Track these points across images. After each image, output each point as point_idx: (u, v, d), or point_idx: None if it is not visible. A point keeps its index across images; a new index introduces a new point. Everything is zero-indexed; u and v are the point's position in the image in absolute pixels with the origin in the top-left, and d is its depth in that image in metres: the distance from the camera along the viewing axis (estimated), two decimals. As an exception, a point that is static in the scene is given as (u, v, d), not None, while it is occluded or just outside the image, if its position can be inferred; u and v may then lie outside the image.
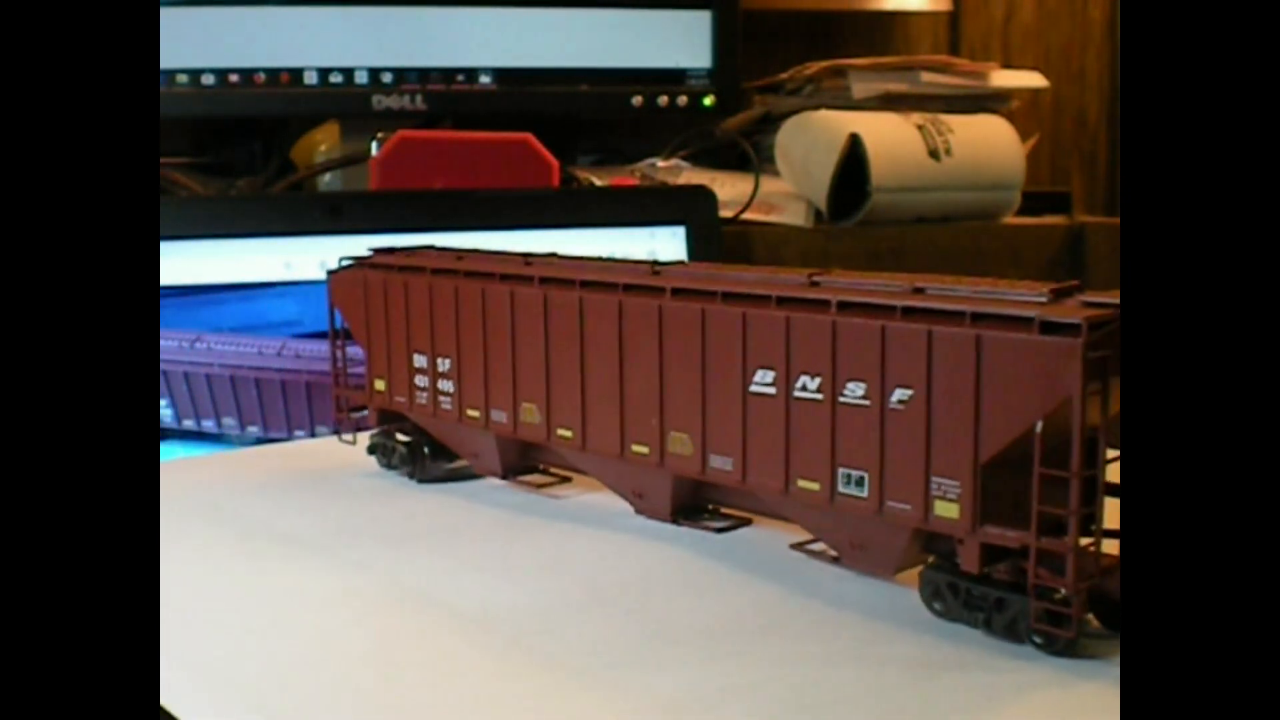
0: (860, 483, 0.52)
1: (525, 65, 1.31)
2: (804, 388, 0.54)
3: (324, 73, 1.27)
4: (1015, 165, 1.31)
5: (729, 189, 1.27)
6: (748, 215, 1.25)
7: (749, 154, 1.31)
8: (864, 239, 1.26)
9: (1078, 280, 0.51)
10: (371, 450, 0.78)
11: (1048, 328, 0.46)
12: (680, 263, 0.68)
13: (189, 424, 1.06)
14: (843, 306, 0.53)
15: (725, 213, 1.21)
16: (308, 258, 1.08)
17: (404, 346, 0.73)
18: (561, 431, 0.65)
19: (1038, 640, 0.47)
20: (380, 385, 0.75)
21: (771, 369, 0.55)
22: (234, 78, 1.25)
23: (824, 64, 1.36)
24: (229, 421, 1.06)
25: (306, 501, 0.71)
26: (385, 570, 0.59)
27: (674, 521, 0.63)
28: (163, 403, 1.05)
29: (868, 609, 0.53)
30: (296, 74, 1.26)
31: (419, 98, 1.28)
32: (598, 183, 1.27)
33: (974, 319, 0.48)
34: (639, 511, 0.65)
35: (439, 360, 0.71)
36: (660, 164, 1.39)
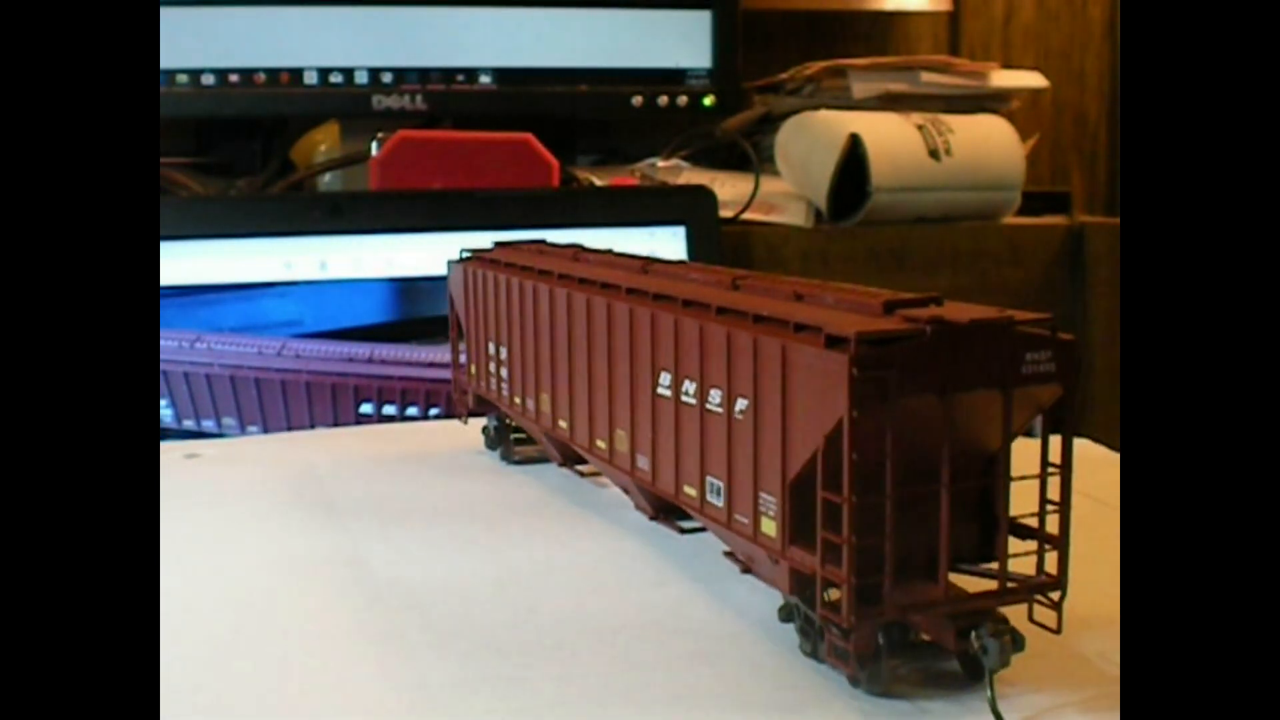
0: (719, 492, 0.49)
1: (525, 65, 1.31)
2: (686, 393, 0.52)
3: (324, 73, 1.27)
4: (1015, 165, 1.31)
5: (729, 189, 1.27)
6: (748, 215, 1.25)
7: (749, 154, 1.31)
8: (864, 239, 1.26)
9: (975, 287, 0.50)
10: (483, 431, 0.82)
11: (831, 341, 0.42)
12: (680, 262, 0.68)
13: (189, 424, 1.06)
14: (686, 304, 0.51)
15: (725, 213, 1.21)
16: (308, 258, 1.08)
17: (486, 337, 0.77)
18: (561, 423, 0.66)
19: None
20: (474, 371, 0.80)
21: (669, 372, 0.53)
22: (234, 78, 1.25)
23: (824, 64, 1.36)
24: (229, 421, 1.06)
25: (374, 474, 0.77)
26: (330, 541, 0.63)
27: (653, 518, 0.63)
28: (163, 403, 1.05)
29: (759, 623, 0.51)
30: (296, 74, 1.26)
31: (419, 98, 1.28)
32: (598, 183, 1.27)
33: (796, 329, 0.44)
34: (636, 507, 0.65)
35: (502, 351, 0.74)
36: (660, 164, 1.39)
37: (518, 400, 0.73)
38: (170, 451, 0.82)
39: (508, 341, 0.73)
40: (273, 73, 1.26)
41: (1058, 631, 0.43)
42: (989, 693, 0.41)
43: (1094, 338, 1.31)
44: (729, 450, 0.48)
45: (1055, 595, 0.43)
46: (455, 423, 0.85)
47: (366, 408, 1.05)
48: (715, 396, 0.49)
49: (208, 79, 1.24)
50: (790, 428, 0.44)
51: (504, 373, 0.74)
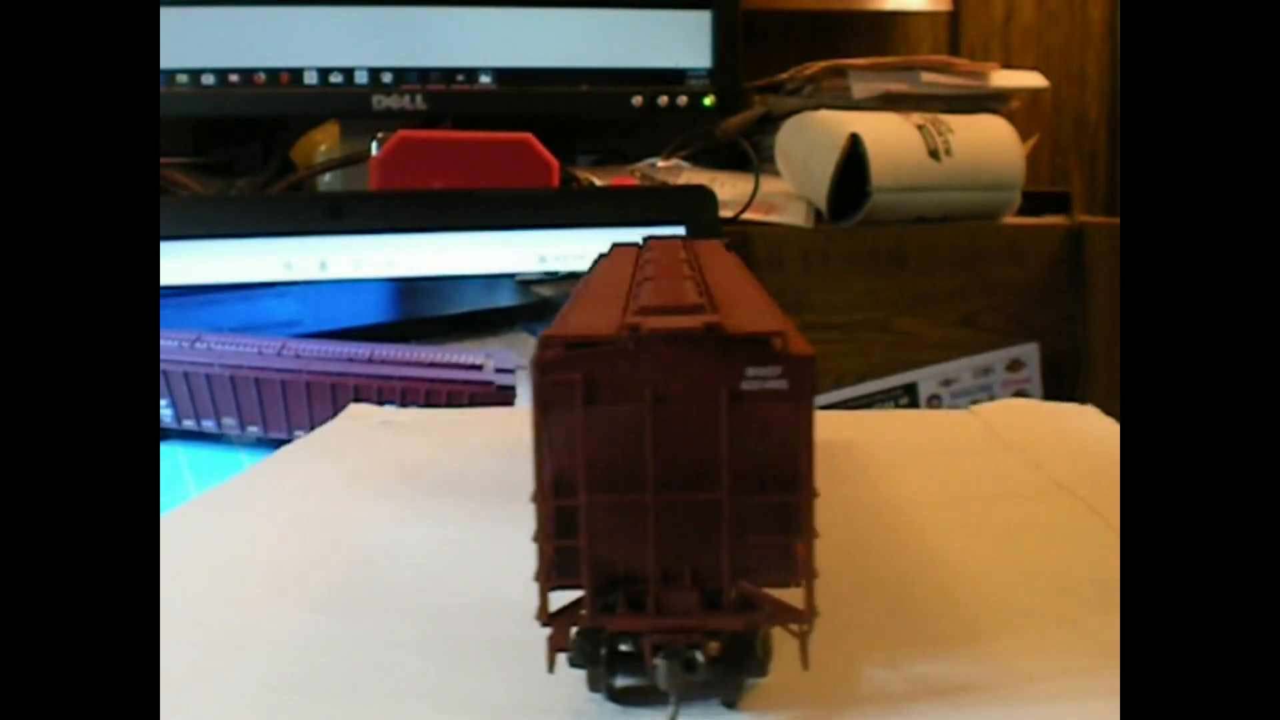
0: None
1: (525, 65, 1.31)
2: None
3: (324, 73, 1.27)
4: (1015, 165, 1.31)
5: (729, 189, 1.27)
6: (748, 215, 1.25)
7: (749, 154, 1.31)
8: (864, 239, 1.26)
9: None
10: None
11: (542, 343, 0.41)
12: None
13: (189, 424, 1.06)
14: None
15: (725, 213, 1.21)
16: (308, 258, 1.08)
17: None
18: None
19: None
20: None
21: None
22: (234, 78, 1.25)
23: (824, 64, 1.36)
24: (229, 421, 1.06)
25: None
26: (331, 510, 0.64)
27: None
28: (163, 403, 1.05)
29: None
30: (296, 74, 1.26)
31: (419, 98, 1.28)
32: (598, 183, 1.27)
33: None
34: None
35: None
36: (660, 164, 1.39)
37: None
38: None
39: None
40: (273, 73, 1.26)
41: (805, 667, 0.40)
42: (672, 711, 0.39)
43: (1094, 338, 1.31)
44: None
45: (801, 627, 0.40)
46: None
47: (366, 408, 1.05)
48: None
49: (208, 79, 1.24)
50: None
51: None
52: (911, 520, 0.60)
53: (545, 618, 0.40)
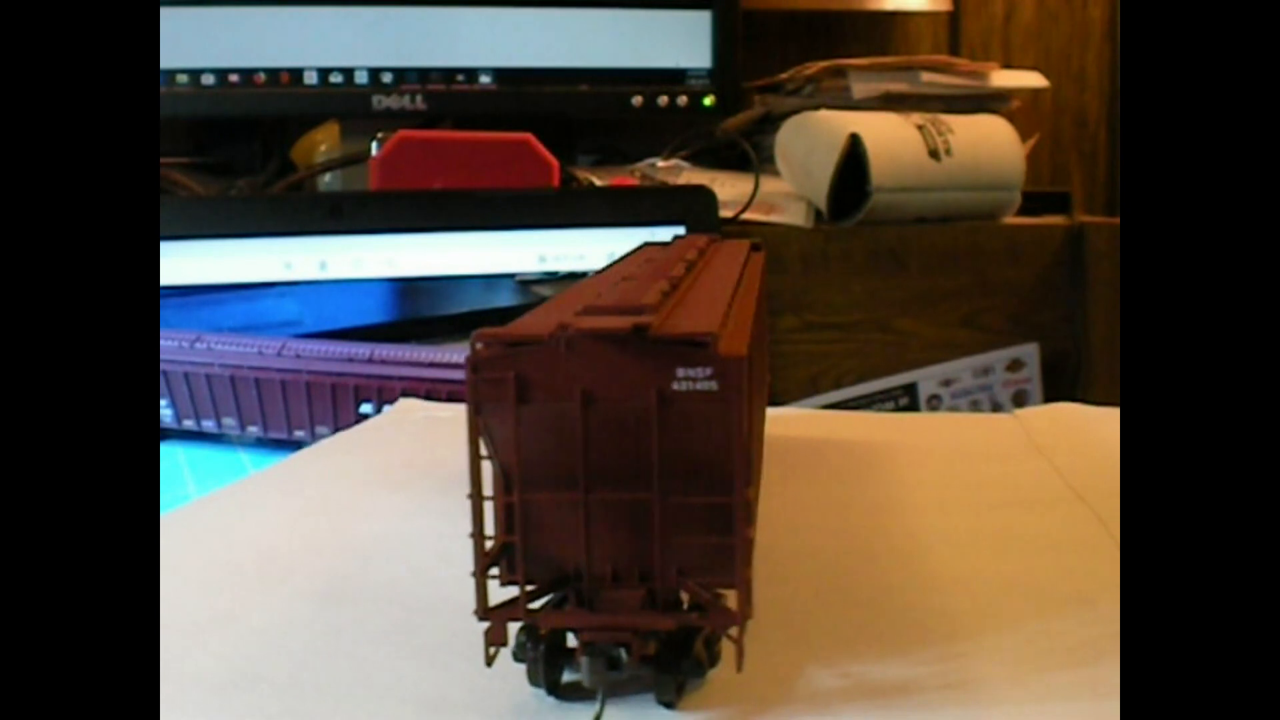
0: None
1: (525, 65, 1.31)
2: None
3: (324, 73, 1.27)
4: (1015, 165, 1.31)
5: (729, 189, 1.27)
6: (748, 215, 1.25)
7: (749, 154, 1.31)
8: (864, 239, 1.26)
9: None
10: None
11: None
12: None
13: (189, 424, 1.06)
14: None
15: (725, 213, 1.21)
16: (308, 258, 1.08)
17: None
18: None
19: None
20: None
21: None
22: (234, 78, 1.25)
23: (824, 64, 1.36)
24: (229, 421, 1.06)
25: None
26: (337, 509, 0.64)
27: None
28: (163, 403, 1.05)
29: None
30: (296, 74, 1.26)
31: (419, 98, 1.28)
32: (598, 183, 1.27)
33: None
34: None
35: None
36: (660, 164, 1.39)
37: None
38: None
39: None
40: (273, 73, 1.26)
41: (740, 669, 0.40)
42: (598, 709, 0.40)
43: (1094, 338, 1.31)
44: None
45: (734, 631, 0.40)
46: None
47: (366, 408, 1.05)
48: None
49: (208, 79, 1.24)
50: None
51: None
52: (905, 525, 0.60)
53: (482, 612, 0.40)
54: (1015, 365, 1.31)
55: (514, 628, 0.41)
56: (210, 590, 0.53)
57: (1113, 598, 0.49)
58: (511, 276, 1.14)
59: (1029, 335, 1.31)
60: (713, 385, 0.38)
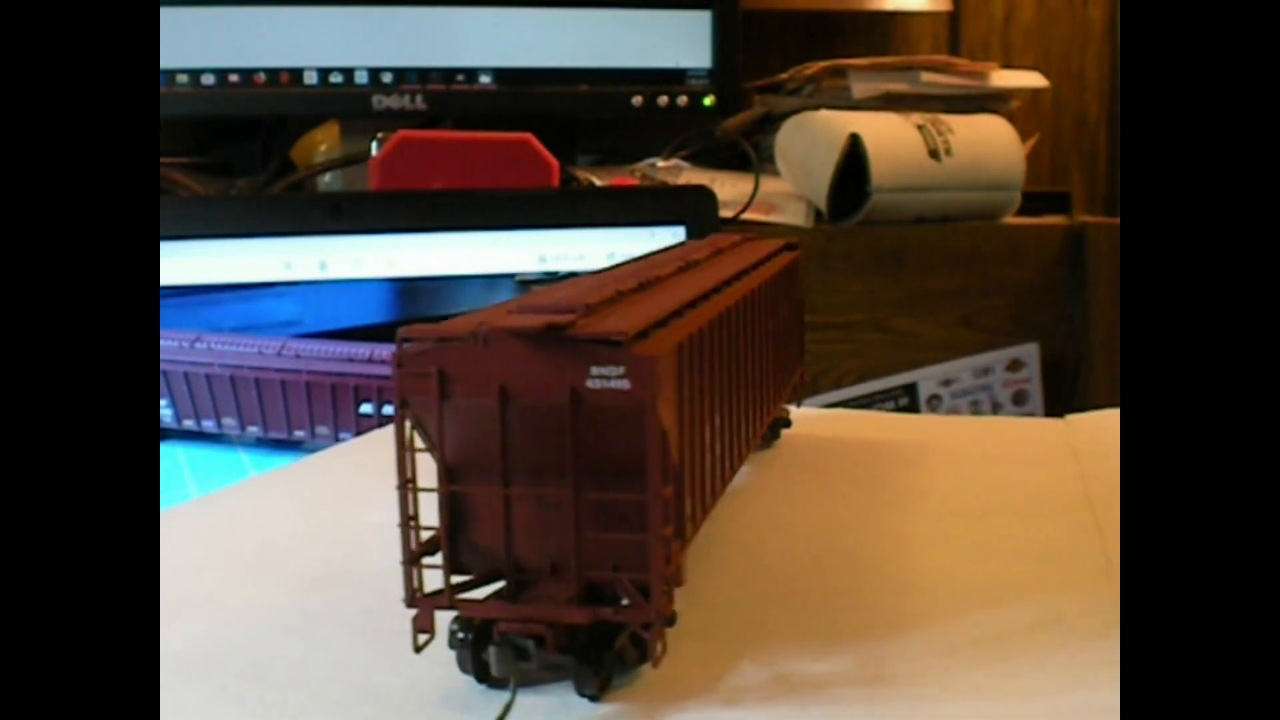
0: None
1: (525, 65, 1.31)
2: None
3: (324, 73, 1.27)
4: (1015, 165, 1.31)
5: (729, 189, 1.27)
6: (748, 215, 1.25)
7: (749, 154, 1.31)
8: (864, 239, 1.26)
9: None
10: None
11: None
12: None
13: (189, 424, 1.06)
14: None
15: (725, 213, 1.21)
16: (308, 258, 1.08)
17: None
18: None
19: None
20: None
21: None
22: (234, 78, 1.25)
23: (824, 64, 1.36)
24: (229, 421, 1.06)
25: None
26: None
27: None
28: (163, 403, 1.05)
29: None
30: (296, 74, 1.26)
31: (419, 98, 1.28)
32: (598, 183, 1.27)
33: None
34: None
35: None
36: (660, 164, 1.39)
37: None
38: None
39: None
40: (273, 73, 1.26)
41: (654, 665, 0.41)
42: (509, 698, 0.40)
43: (1094, 338, 1.31)
44: None
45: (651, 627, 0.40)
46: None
47: (366, 408, 1.05)
48: None
49: (208, 79, 1.24)
50: None
51: None
52: (892, 528, 0.59)
53: (410, 600, 0.42)
54: (1015, 365, 1.31)
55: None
56: (201, 573, 0.54)
57: (1079, 606, 0.48)
58: (511, 276, 1.14)
59: (1029, 335, 1.31)
60: (625, 384, 0.39)
